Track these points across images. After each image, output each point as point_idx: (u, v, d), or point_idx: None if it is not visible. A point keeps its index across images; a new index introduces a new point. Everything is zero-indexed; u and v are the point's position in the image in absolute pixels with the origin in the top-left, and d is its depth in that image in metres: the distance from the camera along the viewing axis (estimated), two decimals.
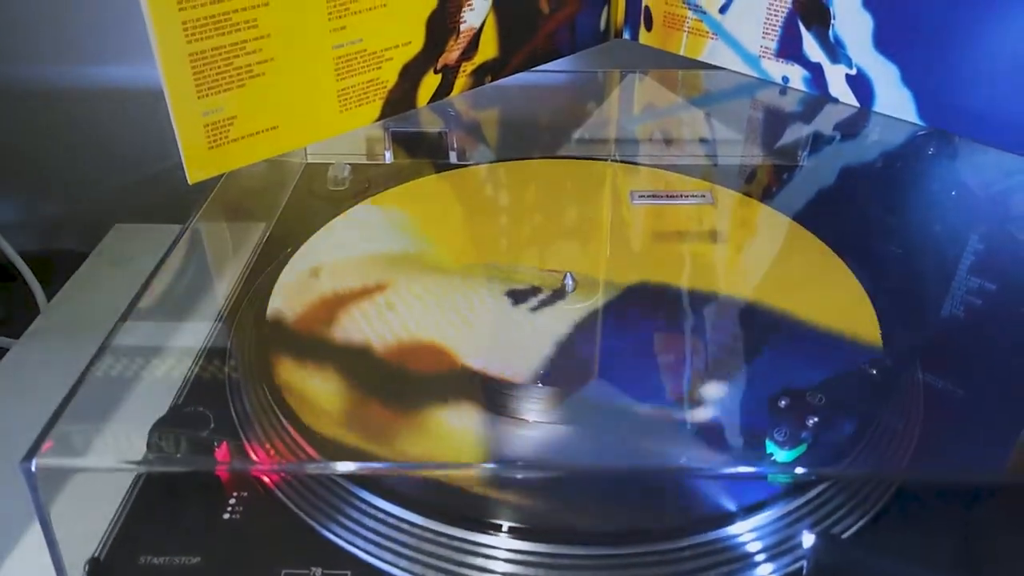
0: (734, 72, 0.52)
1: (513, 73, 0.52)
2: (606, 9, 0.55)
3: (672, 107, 0.58)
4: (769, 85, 0.51)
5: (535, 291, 0.39)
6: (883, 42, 0.45)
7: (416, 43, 0.46)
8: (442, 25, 0.46)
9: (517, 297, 0.37)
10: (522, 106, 0.57)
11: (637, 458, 0.29)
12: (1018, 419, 0.33)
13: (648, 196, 0.41)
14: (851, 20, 0.45)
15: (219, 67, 0.38)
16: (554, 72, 0.55)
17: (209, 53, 0.38)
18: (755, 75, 0.51)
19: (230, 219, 0.50)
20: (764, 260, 0.40)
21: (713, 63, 0.53)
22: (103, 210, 0.69)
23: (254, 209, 0.52)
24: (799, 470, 0.28)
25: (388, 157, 0.56)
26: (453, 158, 0.57)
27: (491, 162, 0.55)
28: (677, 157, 0.56)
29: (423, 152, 0.57)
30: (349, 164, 0.55)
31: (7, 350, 0.53)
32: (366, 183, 0.55)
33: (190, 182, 0.40)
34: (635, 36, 0.56)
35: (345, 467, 0.27)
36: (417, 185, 0.52)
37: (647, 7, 0.55)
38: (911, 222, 0.46)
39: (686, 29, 0.53)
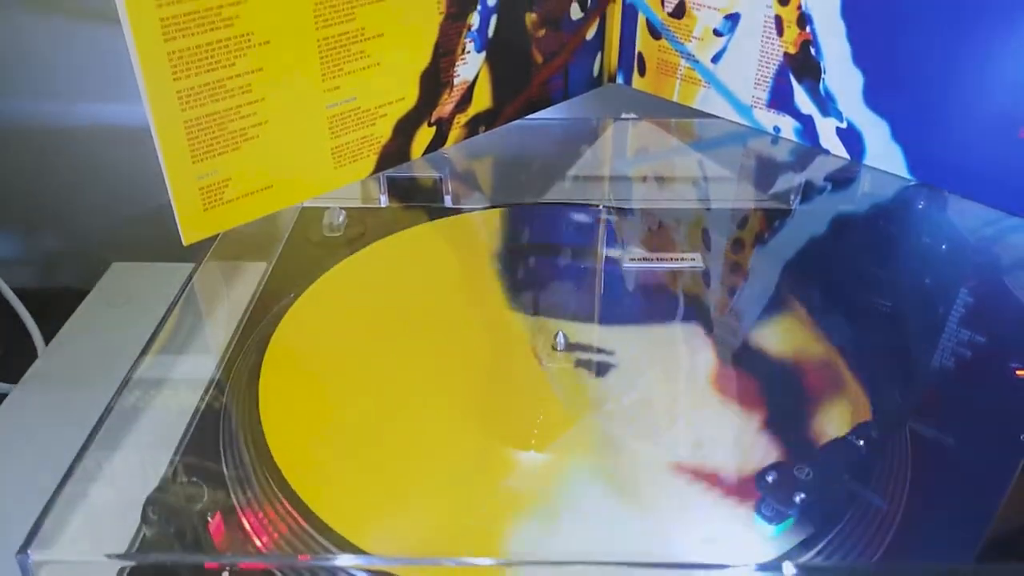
0: (727, 120, 0.53)
1: (507, 122, 0.52)
2: (599, 55, 0.56)
3: (665, 151, 0.58)
4: (762, 134, 0.51)
5: (529, 347, 0.39)
6: (873, 97, 0.45)
7: (410, 99, 0.46)
8: (435, 80, 0.47)
9: (512, 353, 0.38)
10: (516, 150, 0.58)
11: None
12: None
13: (639, 260, 0.41)
14: (841, 75, 0.46)
15: (214, 132, 0.39)
16: (549, 119, 0.55)
17: (204, 120, 0.38)
18: (747, 124, 0.52)
19: (225, 271, 0.50)
20: (752, 330, 0.40)
21: (706, 110, 0.53)
22: (101, 246, 0.69)
23: (249, 258, 0.52)
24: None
25: (383, 201, 0.56)
26: (448, 202, 0.57)
27: (485, 207, 0.55)
28: (670, 201, 0.57)
29: (418, 196, 0.57)
30: (344, 210, 0.55)
31: (5, 395, 0.53)
32: (362, 229, 0.55)
33: (185, 243, 0.40)
34: (628, 81, 0.57)
35: (343, 560, 0.27)
36: (410, 234, 0.52)
37: (640, 53, 0.55)
38: (900, 277, 0.46)
39: (679, 76, 0.54)
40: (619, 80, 0.57)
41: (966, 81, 0.41)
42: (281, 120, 0.41)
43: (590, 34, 0.54)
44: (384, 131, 0.46)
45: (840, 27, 0.45)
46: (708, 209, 0.56)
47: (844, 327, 0.41)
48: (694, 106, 0.54)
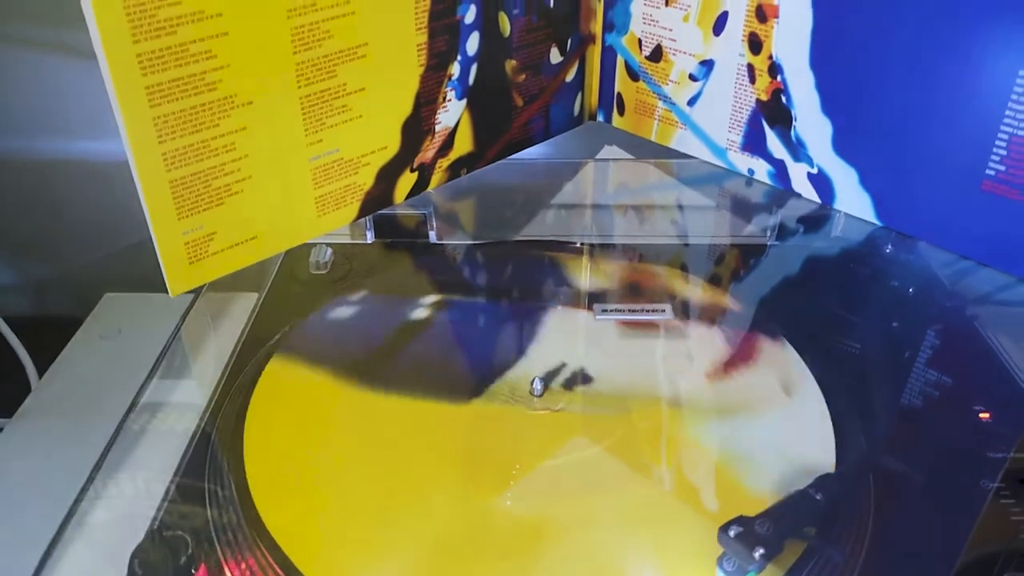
0: (703, 161, 0.54)
1: (488, 164, 0.53)
2: (580, 95, 0.57)
3: (643, 189, 0.59)
4: (737, 175, 0.53)
5: (508, 391, 0.41)
6: (842, 146, 0.47)
7: (392, 147, 0.47)
8: (417, 128, 0.48)
9: (492, 399, 0.40)
10: (499, 187, 0.59)
11: None
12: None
13: (611, 311, 0.42)
14: (811, 123, 0.47)
15: (198, 190, 0.40)
16: (532, 160, 0.56)
17: (189, 178, 0.39)
18: (723, 165, 0.53)
19: (213, 311, 0.51)
20: (726, 375, 0.41)
21: (683, 151, 0.55)
22: (94, 275, 0.71)
23: (236, 297, 0.53)
24: None
25: (370, 237, 0.57)
26: (433, 238, 0.59)
27: (468, 243, 0.57)
28: (648, 237, 0.58)
29: (403, 233, 0.59)
30: (330, 248, 0.56)
31: (1, 429, 0.54)
32: (348, 265, 0.57)
33: (171, 295, 0.42)
34: (608, 120, 0.58)
35: None
36: (395, 274, 0.53)
37: (619, 93, 0.56)
38: (867, 319, 0.48)
39: (657, 117, 0.55)
40: (599, 118, 0.59)
41: (931, 134, 0.43)
42: (265, 175, 0.42)
43: (570, 76, 0.55)
44: (367, 179, 0.47)
45: (809, 77, 0.46)
46: (686, 245, 0.58)
47: (812, 369, 0.42)
48: (671, 146, 0.55)
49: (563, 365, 0.41)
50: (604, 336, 0.42)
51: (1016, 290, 0.46)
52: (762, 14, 0.46)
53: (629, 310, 0.42)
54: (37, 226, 0.70)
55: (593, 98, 0.58)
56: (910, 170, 0.44)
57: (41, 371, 0.61)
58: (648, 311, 0.42)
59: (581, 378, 0.40)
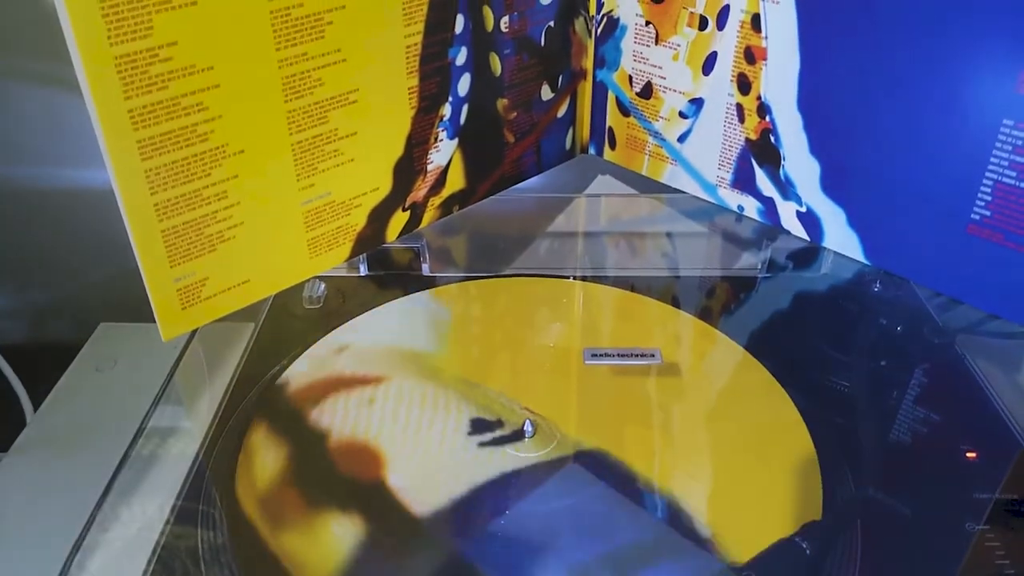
0: (693, 196, 0.54)
1: (480, 200, 0.54)
2: (571, 129, 0.57)
3: (634, 222, 0.60)
4: (728, 211, 0.53)
5: (498, 425, 0.41)
6: (830, 186, 0.47)
7: (384, 188, 0.48)
8: (409, 169, 0.48)
9: (478, 428, 0.40)
10: (492, 220, 0.59)
11: None
12: None
13: (600, 356, 0.43)
14: (800, 163, 0.47)
15: (190, 238, 0.40)
16: (525, 195, 0.57)
17: (181, 227, 0.40)
18: (713, 201, 0.53)
19: (207, 344, 0.52)
20: (713, 421, 0.42)
21: (674, 186, 0.55)
22: (90, 302, 0.71)
23: (231, 329, 0.54)
24: None
25: (363, 270, 0.58)
26: (426, 270, 0.59)
27: (461, 276, 0.57)
28: (639, 270, 0.59)
29: (397, 265, 0.59)
30: (323, 282, 0.57)
31: None
32: (341, 298, 0.57)
33: (164, 340, 0.42)
34: (600, 153, 0.59)
35: None
36: (389, 309, 0.54)
37: (610, 128, 0.57)
38: (854, 357, 0.48)
39: (647, 152, 0.55)
40: (591, 151, 0.59)
41: (918, 177, 0.43)
42: (257, 220, 0.42)
43: (561, 111, 0.56)
44: (359, 220, 0.47)
45: (797, 119, 0.47)
46: (677, 277, 0.58)
47: (802, 410, 0.43)
48: (662, 181, 0.55)
49: (553, 409, 0.42)
50: (594, 381, 0.43)
51: (1001, 329, 0.46)
52: (751, 56, 0.47)
53: (619, 355, 0.42)
54: (35, 252, 0.70)
55: (585, 132, 0.58)
56: (897, 212, 0.45)
57: (36, 401, 0.61)
58: (638, 356, 0.42)
59: (570, 422, 0.41)
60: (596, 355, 0.43)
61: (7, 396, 0.62)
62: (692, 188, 0.54)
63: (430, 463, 0.39)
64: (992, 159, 0.40)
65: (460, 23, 0.46)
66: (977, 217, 0.42)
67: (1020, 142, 0.39)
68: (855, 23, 0.42)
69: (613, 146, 0.57)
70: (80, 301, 0.72)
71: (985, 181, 0.41)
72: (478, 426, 0.41)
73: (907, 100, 0.42)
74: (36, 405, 0.61)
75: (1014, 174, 0.40)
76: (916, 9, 0.40)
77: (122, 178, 0.37)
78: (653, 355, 0.42)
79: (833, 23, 0.43)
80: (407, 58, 0.45)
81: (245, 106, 0.39)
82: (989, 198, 0.41)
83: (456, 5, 0.46)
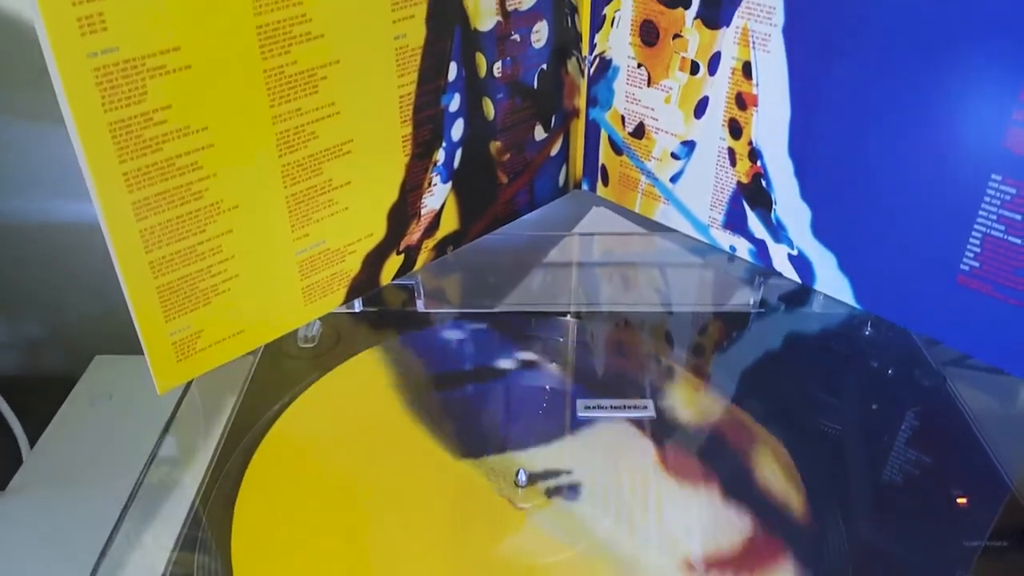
0: (685, 235, 0.55)
1: (474, 239, 0.54)
2: (565, 166, 0.57)
3: (627, 258, 0.60)
4: (720, 251, 0.53)
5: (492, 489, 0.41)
6: (821, 231, 0.47)
7: (378, 233, 0.48)
8: (403, 213, 0.48)
9: (478, 496, 0.40)
10: (486, 256, 0.60)
11: None
12: None
13: (594, 408, 0.43)
14: (791, 207, 0.48)
15: (185, 293, 0.40)
16: (518, 233, 0.57)
17: (176, 283, 0.40)
18: (705, 241, 0.54)
19: (201, 388, 0.52)
20: (707, 472, 0.42)
21: (666, 224, 0.55)
22: (85, 334, 0.71)
23: (225, 374, 0.54)
24: None
25: (357, 307, 0.58)
26: (420, 307, 0.59)
27: (457, 312, 0.57)
28: (632, 306, 0.59)
29: (391, 301, 0.59)
30: (318, 321, 0.57)
31: None
32: (336, 336, 0.58)
33: (160, 393, 0.42)
34: (593, 189, 0.59)
35: None
36: (379, 352, 0.54)
37: (603, 165, 0.57)
38: (846, 401, 0.48)
39: (640, 191, 0.56)
40: (584, 187, 0.59)
41: (908, 227, 0.44)
42: (251, 272, 0.42)
43: (554, 150, 0.56)
44: (353, 266, 0.47)
45: (788, 165, 0.47)
46: (670, 313, 0.59)
47: (791, 451, 0.43)
48: (654, 219, 0.56)
49: (546, 460, 0.42)
50: (586, 432, 0.43)
51: (992, 375, 0.46)
52: (742, 102, 0.47)
53: (612, 407, 0.43)
54: (29, 284, 0.70)
55: (578, 168, 0.58)
56: (888, 259, 0.45)
57: (31, 433, 0.61)
58: (630, 408, 0.43)
59: (563, 476, 0.41)
60: (589, 407, 0.43)
61: (2, 433, 0.62)
62: (684, 227, 0.54)
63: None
64: (981, 212, 0.40)
65: (453, 71, 0.47)
66: (967, 268, 0.42)
67: (1008, 197, 0.39)
68: (845, 73, 0.43)
69: (606, 183, 0.58)
70: (74, 332, 0.72)
71: (974, 233, 0.41)
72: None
73: (897, 150, 0.42)
74: (31, 437, 0.61)
75: (1003, 228, 0.40)
76: (906, 62, 0.40)
77: (117, 238, 0.37)
78: (646, 407, 0.43)
79: (823, 73, 0.43)
80: (401, 107, 0.45)
81: (239, 163, 0.39)
82: (978, 250, 0.41)
83: (449, 54, 0.46)
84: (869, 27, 0.41)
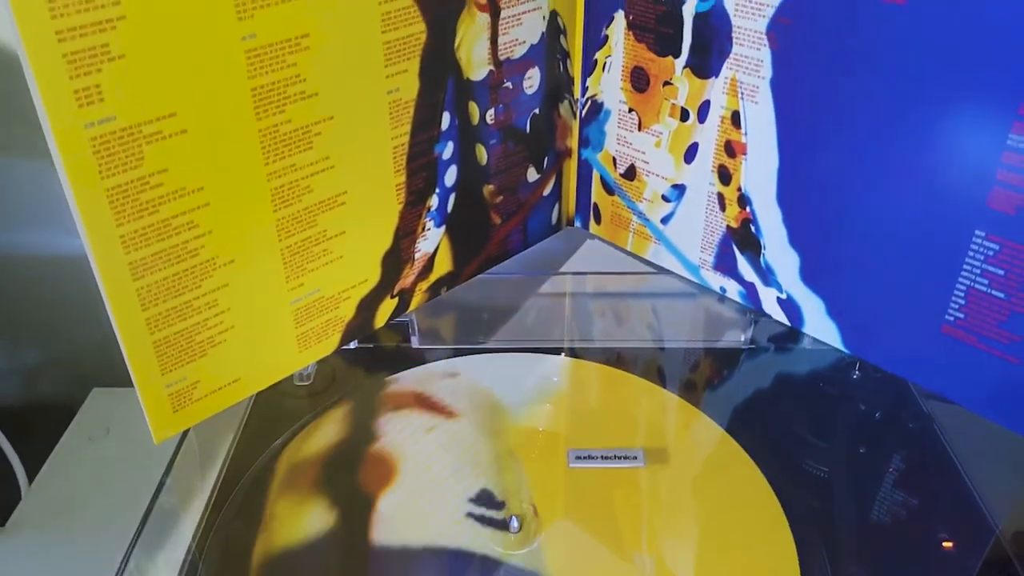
0: (676, 275, 0.55)
1: (467, 280, 0.55)
2: (557, 205, 0.58)
3: (620, 295, 0.61)
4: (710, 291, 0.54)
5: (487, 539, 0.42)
6: (809, 276, 0.48)
7: (372, 279, 0.48)
8: (397, 259, 0.49)
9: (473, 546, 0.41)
10: (481, 294, 0.60)
11: None
12: None
13: (584, 458, 0.44)
14: (780, 253, 0.48)
15: (181, 346, 0.41)
16: (512, 273, 0.58)
17: (172, 337, 0.40)
18: (696, 281, 0.54)
19: (198, 429, 0.52)
20: (695, 510, 0.43)
21: (657, 263, 0.56)
22: (82, 362, 0.72)
23: (221, 414, 0.54)
24: None
25: (352, 343, 0.59)
26: (415, 343, 0.60)
27: (451, 349, 0.58)
28: (625, 342, 0.60)
29: (386, 338, 0.60)
30: None
31: None
32: (331, 374, 0.58)
33: (156, 443, 0.43)
34: (586, 226, 0.59)
35: None
36: (376, 391, 0.54)
37: (595, 204, 0.58)
38: (833, 443, 0.49)
39: (631, 230, 0.56)
40: (577, 224, 0.60)
41: (895, 277, 0.44)
42: (247, 323, 0.43)
43: (547, 190, 0.57)
44: (348, 311, 0.48)
45: (776, 212, 0.48)
46: (662, 349, 0.59)
47: (778, 492, 0.44)
48: (646, 258, 0.56)
49: (536, 508, 0.43)
50: (578, 480, 0.44)
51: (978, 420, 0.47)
52: (731, 150, 0.48)
53: (602, 457, 0.44)
54: (28, 313, 0.71)
55: (570, 206, 0.59)
56: (874, 307, 0.46)
57: (29, 465, 0.62)
58: (620, 458, 0.43)
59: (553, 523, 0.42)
60: (580, 457, 0.44)
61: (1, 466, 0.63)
62: (675, 267, 0.55)
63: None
64: (965, 266, 0.41)
65: (447, 120, 0.47)
66: (951, 319, 0.43)
67: (992, 252, 0.40)
68: (832, 127, 0.43)
69: (599, 221, 0.58)
70: (72, 362, 0.73)
71: (959, 286, 0.42)
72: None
73: (883, 202, 0.43)
74: (28, 467, 0.62)
75: (986, 282, 0.41)
76: (891, 119, 0.41)
77: (114, 296, 0.37)
78: (635, 457, 0.43)
79: (810, 125, 0.44)
80: (394, 157, 0.46)
81: (234, 219, 0.40)
82: (963, 302, 0.42)
83: (442, 104, 0.46)
84: (854, 83, 0.41)
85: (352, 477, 0.47)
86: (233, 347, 0.43)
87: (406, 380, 0.55)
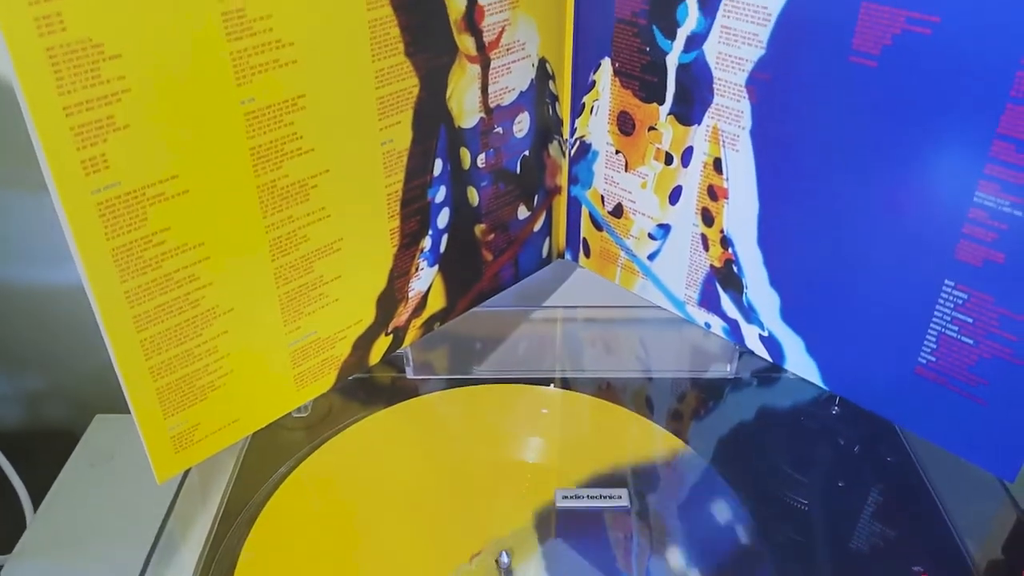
0: (663, 309, 0.57)
1: (460, 315, 0.56)
2: (548, 239, 0.60)
3: (610, 324, 0.62)
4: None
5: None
6: (790, 316, 0.50)
7: (367, 319, 0.50)
8: (391, 299, 0.51)
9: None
10: (474, 325, 0.62)
11: None
12: None
13: (571, 498, 0.45)
14: (761, 293, 0.50)
15: (183, 391, 0.43)
16: (505, 308, 0.60)
17: (174, 383, 0.42)
18: (682, 315, 0.56)
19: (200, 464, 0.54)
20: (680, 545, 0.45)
21: (645, 297, 0.58)
22: (85, 388, 0.73)
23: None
24: None
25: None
26: (410, 374, 0.62)
27: (445, 379, 0.60)
28: (613, 372, 0.62)
29: (382, 368, 0.61)
30: None
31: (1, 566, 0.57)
32: (327, 406, 0.60)
33: (159, 482, 0.44)
34: (576, 259, 0.61)
35: None
36: (372, 424, 0.56)
37: (585, 239, 0.60)
38: (811, 477, 0.51)
39: (619, 265, 0.58)
40: (567, 256, 0.62)
41: (870, 320, 0.46)
42: (246, 367, 0.45)
43: (538, 226, 0.58)
44: (344, 350, 0.50)
45: (757, 254, 0.49)
46: (650, 380, 0.61)
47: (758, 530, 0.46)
48: (633, 292, 0.58)
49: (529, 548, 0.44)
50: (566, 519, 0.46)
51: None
52: (713, 194, 0.50)
53: (588, 496, 0.45)
54: (33, 342, 0.72)
55: (561, 240, 0.61)
56: (852, 347, 0.47)
57: (33, 490, 0.63)
58: (605, 497, 0.45)
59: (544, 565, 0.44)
60: (567, 496, 0.45)
61: (5, 492, 0.64)
62: (662, 302, 0.57)
63: None
64: (936, 313, 0.43)
65: (439, 166, 0.49)
66: (924, 361, 0.44)
67: (961, 301, 0.42)
68: (809, 176, 0.45)
69: (588, 255, 0.60)
70: (74, 389, 0.74)
71: (930, 331, 0.43)
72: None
73: (858, 249, 0.45)
74: (32, 493, 0.63)
75: (956, 328, 0.42)
76: (864, 171, 0.43)
77: (119, 348, 0.39)
78: (620, 496, 0.45)
79: (789, 174, 0.46)
80: (388, 204, 0.47)
81: (234, 270, 0.42)
82: (935, 346, 0.44)
83: (434, 151, 0.48)
84: (829, 137, 0.43)
85: (350, 510, 0.49)
86: (233, 389, 0.45)
87: (400, 413, 0.57)
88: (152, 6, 0.34)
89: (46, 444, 0.73)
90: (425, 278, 0.52)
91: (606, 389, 0.60)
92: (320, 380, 0.50)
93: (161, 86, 0.35)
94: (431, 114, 0.47)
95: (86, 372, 0.73)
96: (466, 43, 0.46)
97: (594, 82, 0.53)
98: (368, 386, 0.60)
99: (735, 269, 0.51)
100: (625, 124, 0.52)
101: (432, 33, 0.44)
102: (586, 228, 0.59)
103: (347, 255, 0.47)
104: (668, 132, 0.50)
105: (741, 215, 0.49)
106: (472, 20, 0.46)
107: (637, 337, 0.61)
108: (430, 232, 0.51)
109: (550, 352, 0.63)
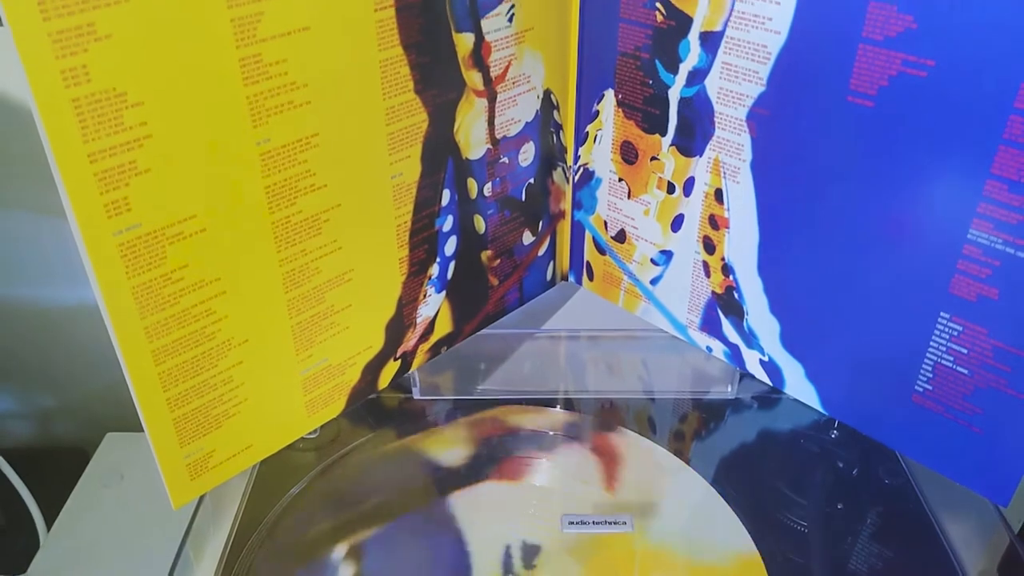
0: (666, 332, 0.58)
1: (466, 338, 0.58)
2: (552, 262, 0.61)
3: (612, 345, 0.64)
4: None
5: None
6: (789, 342, 0.51)
7: (376, 345, 0.51)
8: (399, 325, 0.52)
9: None
10: (480, 346, 0.63)
11: None
12: None
13: (577, 523, 0.47)
14: (761, 319, 0.51)
15: (199, 420, 0.44)
16: (509, 331, 0.61)
17: (191, 413, 0.43)
18: (683, 339, 0.57)
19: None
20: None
21: (647, 320, 0.59)
22: (95, 405, 0.74)
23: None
24: None
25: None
26: (416, 394, 0.63)
27: (451, 399, 0.61)
28: (617, 392, 0.63)
29: (388, 389, 0.63)
30: None
31: None
32: (336, 427, 0.61)
33: (175, 508, 0.46)
34: (579, 282, 0.62)
35: None
36: (372, 453, 0.57)
37: (588, 262, 0.61)
38: (815, 499, 0.52)
39: (623, 288, 0.59)
40: (571, 279, 0.63)
41: (868, 347, 0.47)
42: (259, 395, 0.46)
43: (542, 250, 0.59)
44: (353, 376, 0.51)
45: (758, 282, 0.50)
46: (652, 400, 0.62)
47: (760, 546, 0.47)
48: (636, 315, 0.59)
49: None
50: (571, 543, 0.47)
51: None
52: (714, 223, 0.51)
53: (594, 522, 0.46)
54: (44, 360, 0.73)
55: (564, 263, 0.62)
56: (850, 374, 0.49)
57: (45, 507, 0.64)
58: (611, 523, 0.46)
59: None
60: (573, 523, 0.46)
61: (18, 512, 0.65)
62: (664, 325, 0.58)
63: None
64: (932, 343, 0.44)
65: (447, 197, 0.50)
66: (921, 390, 0.45)
67: (956, 333, 0.43)
68: (808, 208, 0.46)
69: (591, 278, 0.61)
70: (86, 406, 0.75)
71: (927, 361, 0.45)
72: None
73: (856, 280, 0.46)
74: (44, 510, 0.64)
75: (951, 359, 0.44)
76: (862, 205, 0.44)
77: (138, 381, 0.40)
78: (625, 522, 0.46)
79: (788, 205, 0.47)
80: (398, 234, 0.48)
81: (249, 303, 0.43)
82: (931, 375, 0.45)
83: (442, 183, 0.49)
84: (827, 172, 0.44)
85: (359, 530, 0.50)
86: (246, 417, 0.46)
87: (409, 436, 0.58)
88: (174, 55, 0.35)
89: (57, 461, 0.74)
90: (433, 304, 0.53)
91: (609, 408, 0.61)
92: (331, 406, 0.51)
93: (181, 131, 0.36)
94: (439, 147, 0.48)
95: (96, 390, 0.74)
96: (473, 79, 0.47)
97: (598, 112, 0.54)
98: (376, 407, 0.62)
99: (736, 296, 0.52)
100: (628, 153, 0.54)
101: (441, 70, 0.45)
102: (589, 252, 0.60)
103: (357, 285, 0.48)
104: (670, 162, 0.51)
105: (742, 244, 0.50)
106: (479, 56, 0.47)
107: (639, 358, 0.63)
108: (438, 260, 0.52)
109: (554, 372, 0.64)
